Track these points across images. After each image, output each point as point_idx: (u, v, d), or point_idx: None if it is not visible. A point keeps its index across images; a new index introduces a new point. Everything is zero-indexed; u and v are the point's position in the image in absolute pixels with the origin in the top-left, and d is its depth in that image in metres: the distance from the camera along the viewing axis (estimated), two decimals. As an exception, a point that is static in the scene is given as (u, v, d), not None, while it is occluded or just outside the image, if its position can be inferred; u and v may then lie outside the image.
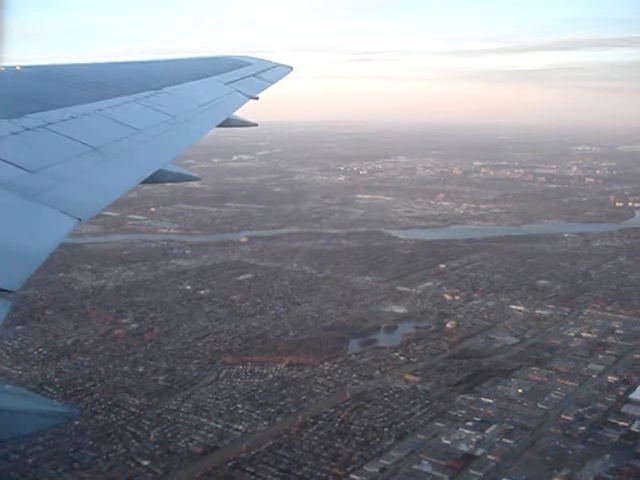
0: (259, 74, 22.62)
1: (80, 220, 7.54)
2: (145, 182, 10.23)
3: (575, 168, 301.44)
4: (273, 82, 22.53)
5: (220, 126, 15.83)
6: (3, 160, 8.16)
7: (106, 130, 11.52)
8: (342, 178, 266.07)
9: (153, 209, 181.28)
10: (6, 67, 13.91)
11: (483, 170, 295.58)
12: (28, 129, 9.77)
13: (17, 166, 8.26)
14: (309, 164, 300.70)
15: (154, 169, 10.62)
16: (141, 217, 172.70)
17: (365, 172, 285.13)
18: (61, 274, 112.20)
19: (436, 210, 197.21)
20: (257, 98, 19.42)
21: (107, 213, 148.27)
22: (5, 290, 5.62)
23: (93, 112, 12.00)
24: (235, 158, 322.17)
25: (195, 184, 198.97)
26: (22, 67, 14.99)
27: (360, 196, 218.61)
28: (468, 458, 60.70)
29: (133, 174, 10.23)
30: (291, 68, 26.15)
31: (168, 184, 15.16)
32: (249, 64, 23.94)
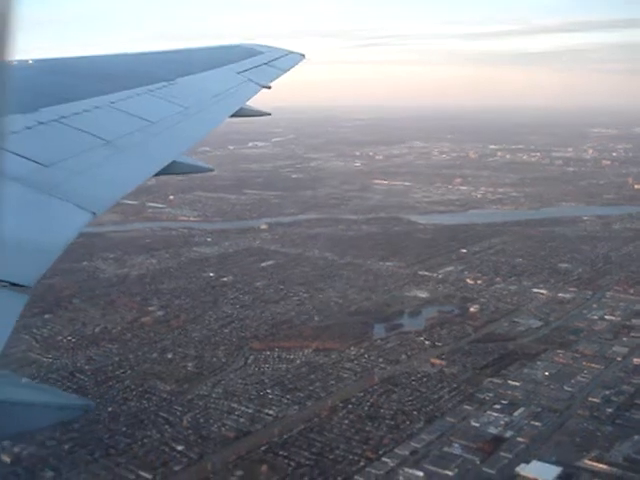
0: (271, 62, 22.36)
1: (94, 214, 7.51)
2: (158, 174, 10.25)
3: (591, 151, 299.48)
4: (285, 70, 22.28)
5: (233, 116, 15.68)
6: (18, 154, 8.12)
7: (119, 123, 11.57)
8: (358, 164, 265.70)
9: (172, 197, 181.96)
10: (18, 61, 13.68)
11: (499, 154, 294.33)
12: (42, 123, 9.76)
13: (31, 160, 8.25)
14: (324, 150, 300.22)
15: (167, 161, 10.59)
16: (160, 205, 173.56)
17: (381, 157, 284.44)
18: (85, 263, 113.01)
19: (454, 195, 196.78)
20: (270, 87, 19.38)
21: (126, 201, 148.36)
22: (20, 285, 5.67)
23: (106, 105, 11.99)
24: (250, 145, 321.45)
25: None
26: (33, 60, 14.85)
27: (377, 181, 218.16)
28: (498, 440, 61.23)
29: (146, 167, 10.33)
30: (303, 56, 25.67)
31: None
32: (261, 52, 23.67)
